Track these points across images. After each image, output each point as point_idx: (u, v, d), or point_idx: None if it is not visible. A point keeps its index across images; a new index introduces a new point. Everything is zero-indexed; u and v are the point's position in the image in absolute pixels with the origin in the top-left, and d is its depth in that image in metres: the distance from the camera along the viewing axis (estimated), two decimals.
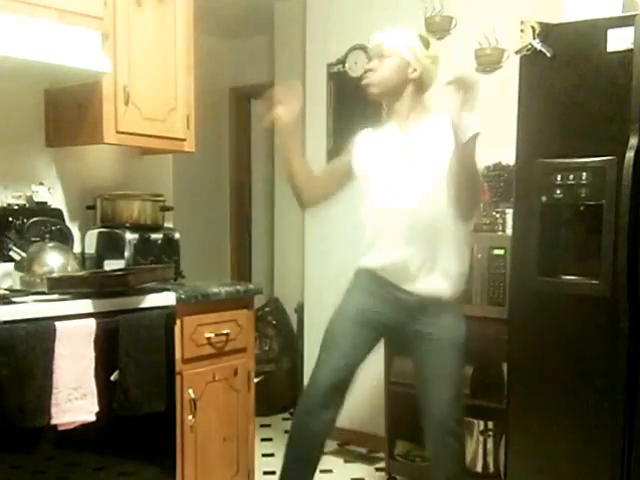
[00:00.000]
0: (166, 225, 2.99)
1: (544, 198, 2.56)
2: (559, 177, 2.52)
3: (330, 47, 4.09)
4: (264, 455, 3.81)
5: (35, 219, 2.59)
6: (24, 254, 2.46)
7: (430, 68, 2.48)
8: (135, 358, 2.30)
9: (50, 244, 2.53)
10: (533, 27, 2.54)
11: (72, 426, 2.14)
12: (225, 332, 2.71)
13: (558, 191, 2.53)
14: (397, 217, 2.42)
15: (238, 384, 2.79)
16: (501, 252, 3.04)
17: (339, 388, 2.52)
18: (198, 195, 5.19)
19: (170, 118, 2.85)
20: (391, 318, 2.51)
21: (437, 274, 2.43)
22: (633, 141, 2.34)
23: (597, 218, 2.45)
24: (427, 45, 2.47)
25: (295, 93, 2.58)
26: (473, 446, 3.24)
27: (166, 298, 2.48)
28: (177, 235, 2.96)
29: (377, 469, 3.70)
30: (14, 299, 2.20)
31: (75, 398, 2.13)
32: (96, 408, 2.19)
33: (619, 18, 2.43)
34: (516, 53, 2.63)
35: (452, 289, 2.48)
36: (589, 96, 2.47)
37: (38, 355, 2.05)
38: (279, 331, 4.73)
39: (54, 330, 2.09)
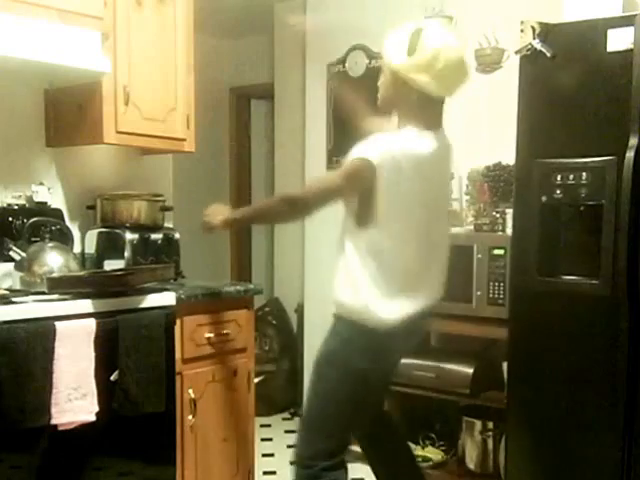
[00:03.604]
0: (166, 225, 2.99)
1: (544, 198, 2.56)
2: (559, 177, 2.52)
3: (330, 47, 4.09)
4: (264, 455, 3.81)
5: (35, 219, 2.59)
6: (24, 254, 2.46)
7: (421, 79, 2.09)
8: (135, 358, 2.29)
9: (50, 244, 2.52)
10: (533, 27, 2.54)
11: (72, 426, 2.14)
12: (225, 332, 2.71)
13: (558, 191, 2.53)
14: None
15: (238, 384, 2.79)
16: (501, 252, 3.04)
17: None
18: (198, 195, 5.17)
19: (170, 118, 2.85)
20: None
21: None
22: (633, 141, 2.34)
23: (597, 218, 2.45)
24: (412, 51, 2.08)
25: None
26: (473, 446, 3.24)
27: (166, 298, 2.48)
28: (177, 235, 2.96)
29: None
30: (14, 299, 2.20)
31: (75, 398, 2.13)
32: (96, 408, 2.18)
33: (619, 18, 2.43)
34: (516, 53, 2.63)
35: (342, 305, 2.21)
36: (589, 96, 2.47)
37: (38, 355, 2.05)
38: (279, 331, 4.73)
39: (54, 330, 2.09)
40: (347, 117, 2.64)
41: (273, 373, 4.61)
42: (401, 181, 2.09)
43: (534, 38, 2.54)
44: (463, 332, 3.17)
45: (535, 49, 2.54)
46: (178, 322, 2.52)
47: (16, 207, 2.64)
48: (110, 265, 2.77)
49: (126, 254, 2.75)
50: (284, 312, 4.84)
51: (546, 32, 2.53)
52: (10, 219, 2.58)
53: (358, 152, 2.11)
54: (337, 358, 2.21)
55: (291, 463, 2.37)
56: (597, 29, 2.43)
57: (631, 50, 2.35)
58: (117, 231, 2.79)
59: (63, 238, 2.65)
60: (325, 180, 2.25)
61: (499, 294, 3.05)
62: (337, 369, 2.20)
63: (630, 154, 2.33)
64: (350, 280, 2.17)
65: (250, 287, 2.88)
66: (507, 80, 2.92)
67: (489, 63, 3.46)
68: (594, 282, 2.47)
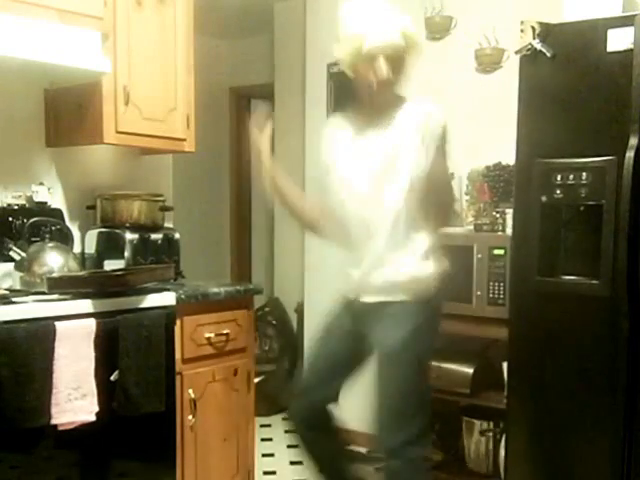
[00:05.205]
0: (166, 225, 2.99)
1: (544, 198, 2.56)
2: (559, 177, 2.52)
3: (330, 47, 4.09)
4: (264, 455, 3.81)
5: (35, 219, 2.59)
6: (24, 254, 2.46)
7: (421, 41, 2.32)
8: (135, 358, 2.30)
9: (50, 244, 2.52)
10: (533, 27, 2.53)
11: (72, 426, 2.14)
12: (225, 332, 2.71)
13: (558, 191, 2.53)
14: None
15: (238, 384, 2.79)
16: (501, 252, 3.04)
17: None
18: (198, 195, 5.19)
19: (170, 118, 2.85)
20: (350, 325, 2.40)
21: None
22: (633, 141, 2.34)
23: (597, 218, 2.45)
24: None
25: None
26: (473, 446, 3.24)
27: (166, 298, 2.48)
28: (177, 235, 2.96)
29: (377, 469, 3.69)
30: (14, 299, 2.21)
31: (75, 398, 2.13)
32: (96, 408, 2.19)
33: (619, 18, 2.43)
34: (516, 53, 2.63)
35: (400, 290, 2.25)
36: (589, 96, 2.47)
37: (38, 355, 2.05)
38: (279, 331, 4.73)
39: (54, 330, 2.09)
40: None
41: (273, 373, 4.61)
42: None
43: (534, 38, 2.53)
44: (463, 332, 3.17)
45: (535, 49, 2.54)
46: (178, 322, 2.52)
47: (16, 207, 2.64)
48: (110, 265, 2.78)
49: (126, 254, 2.75)
50: (284, 312, 4.84)
51: (546, 32, 2.53)
52: (10, 219, 2.58)
53: (436, 111, 2.18)
54: (413, 338, 2.23)
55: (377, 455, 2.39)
56: (597, 29, 2.43)
57: (631, 50, 2.35)
58: (117, 231, 2.79)
59: (63, 238, 2.65)
60: (444, 167, 2.21)
61: (499, 294, 3.05)
62: (413, 350, 2.24)
63: (630, 154, 2.33)
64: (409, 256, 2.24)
65: (250, 287, 2.88)
66: (507, 80, 2.92)
67: (489, 63, 3.46)
68: (594, 282, 2.47)
